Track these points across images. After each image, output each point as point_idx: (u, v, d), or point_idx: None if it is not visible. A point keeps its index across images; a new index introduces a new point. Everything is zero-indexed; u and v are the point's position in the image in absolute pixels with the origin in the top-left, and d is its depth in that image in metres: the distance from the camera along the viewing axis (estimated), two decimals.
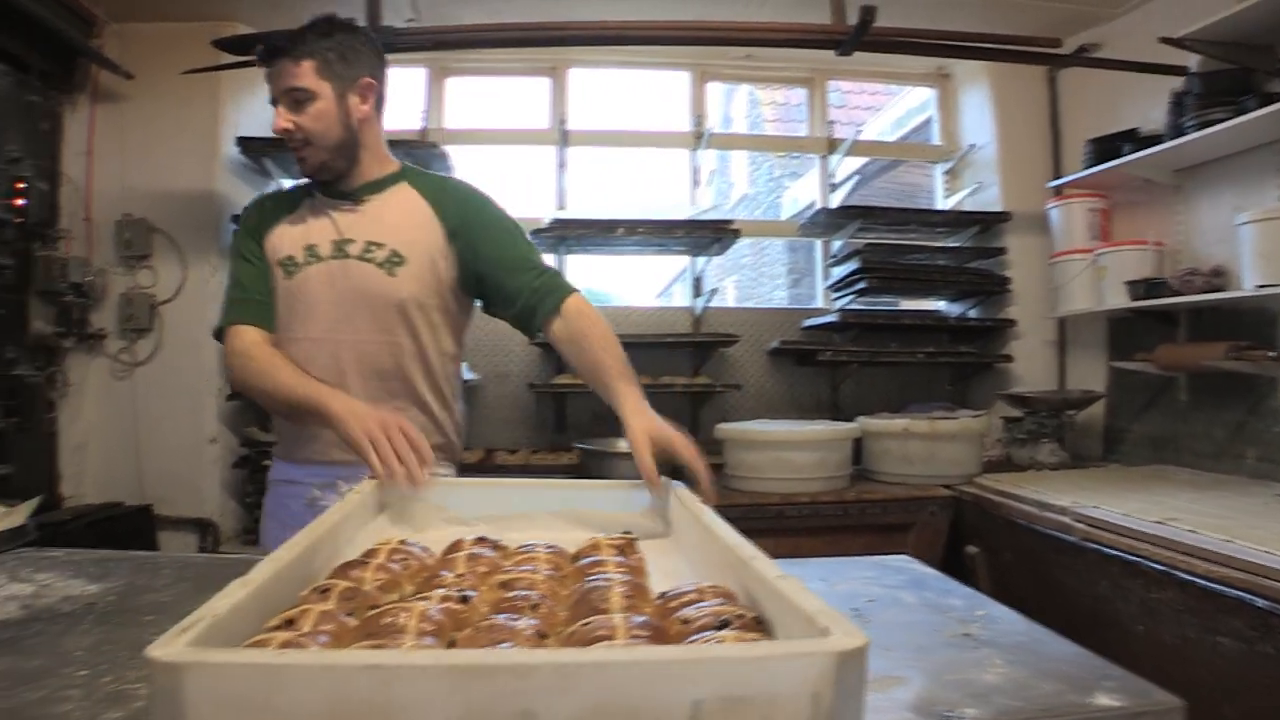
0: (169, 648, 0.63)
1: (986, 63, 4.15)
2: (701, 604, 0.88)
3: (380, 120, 2.05)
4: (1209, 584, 2.11)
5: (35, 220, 3.31)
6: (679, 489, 1.41)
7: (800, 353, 4.23)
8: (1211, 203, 3.41)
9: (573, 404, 4.22)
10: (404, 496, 1.45)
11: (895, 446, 3.50)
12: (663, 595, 0.96)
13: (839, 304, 4.34)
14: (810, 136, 4.82)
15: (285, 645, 0.76)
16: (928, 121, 5.09)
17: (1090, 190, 3.88)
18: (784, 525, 3.21)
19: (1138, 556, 2.37)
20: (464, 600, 0.93)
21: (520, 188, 4.74)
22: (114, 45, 3.74)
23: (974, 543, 3.23)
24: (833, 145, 4.68)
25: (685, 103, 4.63)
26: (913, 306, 4.68)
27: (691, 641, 0.81)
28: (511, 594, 0.95)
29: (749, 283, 10.04)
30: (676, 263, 6.16)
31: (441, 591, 0.95)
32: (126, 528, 3.49)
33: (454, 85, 4.54)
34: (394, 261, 1.92)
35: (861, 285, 4.06)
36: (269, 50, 1.87)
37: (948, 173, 4.76)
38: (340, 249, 1.93)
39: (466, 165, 4.13)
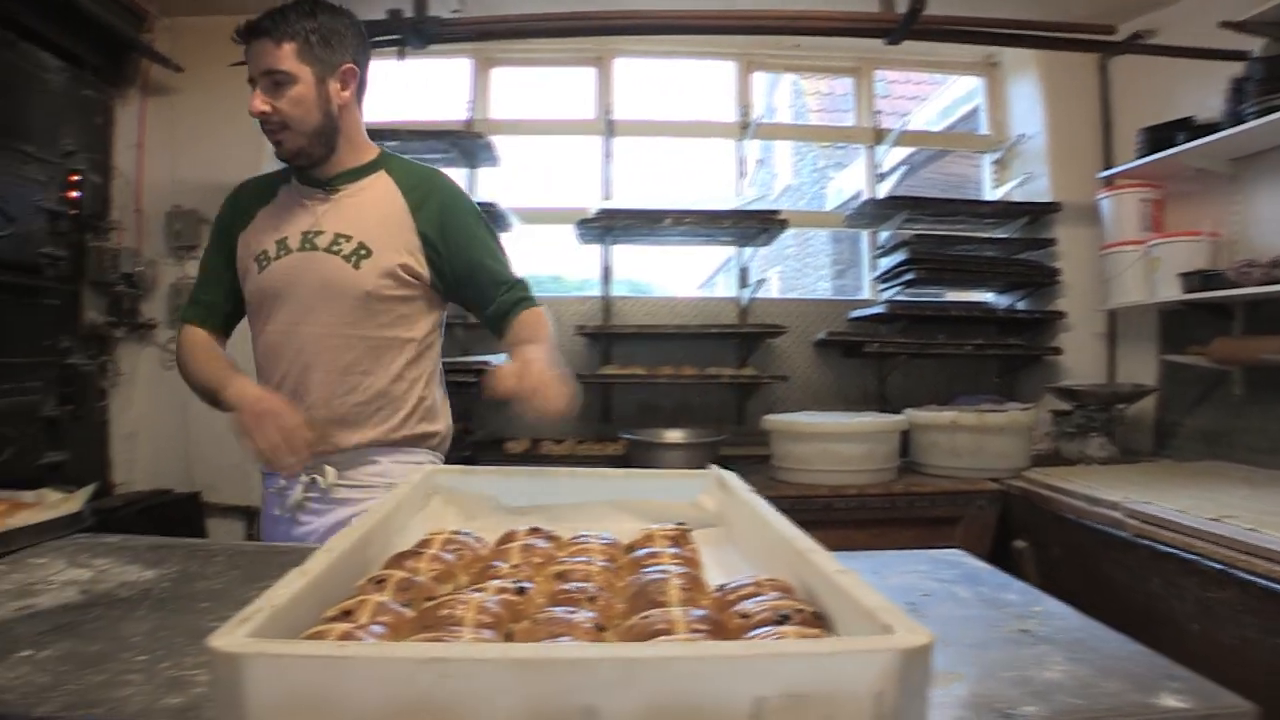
0: (230, 638, 0.63)
1: (1036, 51, 4.08)
2: (760, 598, 0.87)
3: (361, 106, 2.01)
4: (1271, 584, 2.05)
5: (88, 212, 3.36)
6: (726, 476, 1.40)
7: (847, 344, 4.20)
8: (1271, 192, 3.31)
9: (619, 394, 4.23)
10: (454, 487, 1.45)
11: (943, 439, 3.47)
12: (720, 588, 0.95)
13: (886, 295, 4.29)
14: (857, 126, 4.76)
15: (344, 636, 0.76)
16: (974, 111, 5.02)
17: (1143, 180, 3.79)
18: (832, 517, 3.19)
19: (1193, 554, 2.32)
20: (520, 592, 0.93)
21: (565, 178, 4.75)
22: (164, 39, 3.79)
23: (1022, 537, 3.18)
24: (880, 135, 4.63)
25: (730, 93, 4.61)
26: (960, 298, 4.62)
27: (751, 636, 0.79)
28: (567, 586, 0.94)
29: (793, 274, 10.00)
30: (718, 254, 6.14)
31: (497, 583, 0.94)
32: (176, 514, 3.55)
33: (499, 75, 4.54)
34: (360, 254, 1.89)
35: (909, 276, 4.02)
36: (249, 28, 1.83)
37: (996, 163, 4.68)
38: (308, 241, 1.91)
39: (512, 155, 4.14)
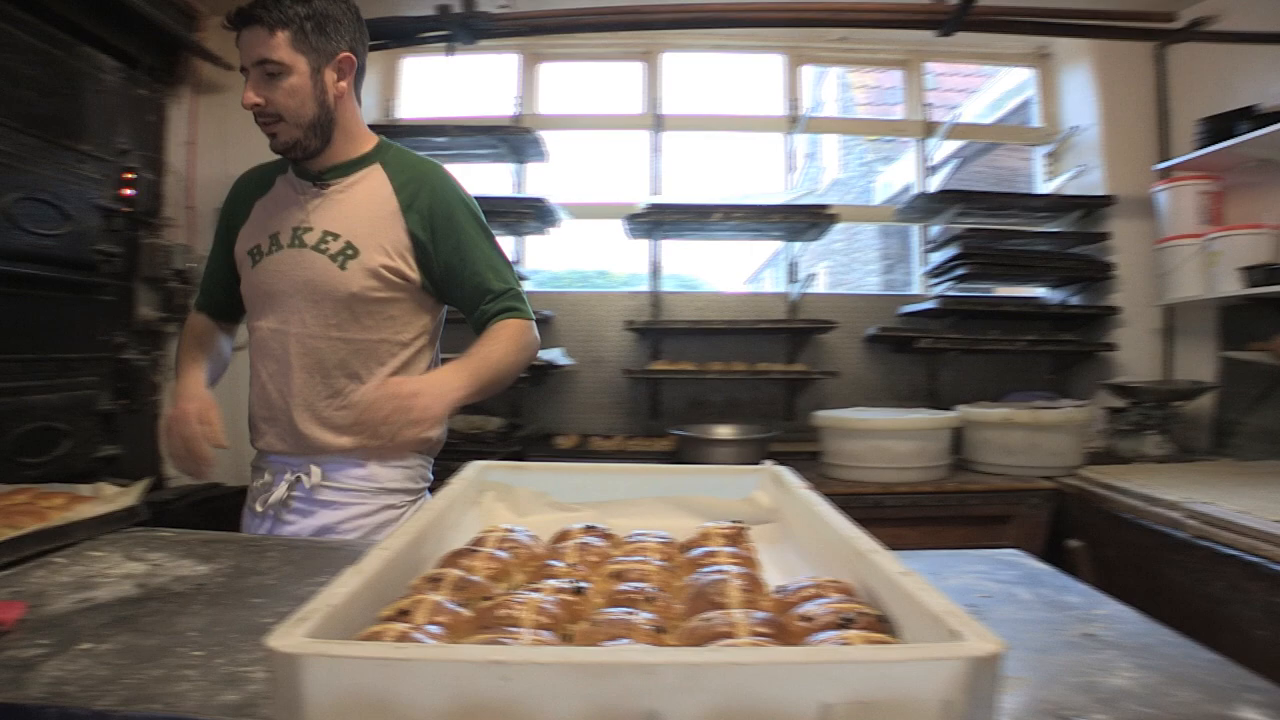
0: (288, 638, 0.62)
1: (1089, 41, 4.00)
2: (822, 600, 0.86)
3: (359, 96, 1.95)
4: None
5: (142, 209, 3.40)
6: (782, 472, 1.38)
7: (898, 339, 4.14)
8: None
9: (668, 390, 4.22)
10: (506, 483, 1.44)
11: (996, 436, 3.41)
12: (780, 589, 0.93)
13: (937, 290, 4.24)
14: (907, 119, 4.71)
15: (401, 637, 0.75)
16: (1025, 103, 4.94)
17: (1201, 172, 3.70)
18: (883, 515, 3.15)
19: (1259, 557, 2.24)
20: (578, 592, 0.91)
21: (614, 173, 4.75)
22: (215, 38, 3.83)
23: (1076, 536, 3.12)
24: (930, 129, 4.57)
25: (779, 87, 4.57)
26: (1012, 293, 4.56)
27: (815, 640, 0.78)
28: (625, 586, 0.93)
29: (841, 268, 9.95)
30: (765, 248, 6.11)
31: (554, 583, 0.93)
32: (226, 508, 3.58)
33: (547, 71, 4.55)
34: (347, 254, 1.84)
35: (961, 271, 3.96)
36: (240, 15, 1.75)
37: (1048, 155, 4.60)
38: (297, 238, 1.87)
39: (560, 151, 4.15)
